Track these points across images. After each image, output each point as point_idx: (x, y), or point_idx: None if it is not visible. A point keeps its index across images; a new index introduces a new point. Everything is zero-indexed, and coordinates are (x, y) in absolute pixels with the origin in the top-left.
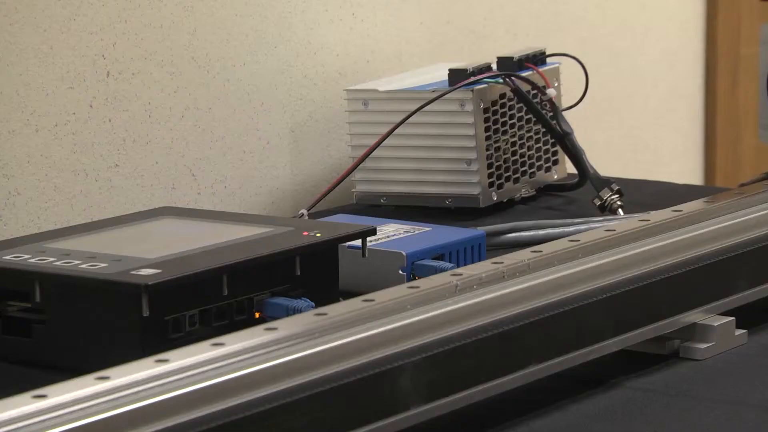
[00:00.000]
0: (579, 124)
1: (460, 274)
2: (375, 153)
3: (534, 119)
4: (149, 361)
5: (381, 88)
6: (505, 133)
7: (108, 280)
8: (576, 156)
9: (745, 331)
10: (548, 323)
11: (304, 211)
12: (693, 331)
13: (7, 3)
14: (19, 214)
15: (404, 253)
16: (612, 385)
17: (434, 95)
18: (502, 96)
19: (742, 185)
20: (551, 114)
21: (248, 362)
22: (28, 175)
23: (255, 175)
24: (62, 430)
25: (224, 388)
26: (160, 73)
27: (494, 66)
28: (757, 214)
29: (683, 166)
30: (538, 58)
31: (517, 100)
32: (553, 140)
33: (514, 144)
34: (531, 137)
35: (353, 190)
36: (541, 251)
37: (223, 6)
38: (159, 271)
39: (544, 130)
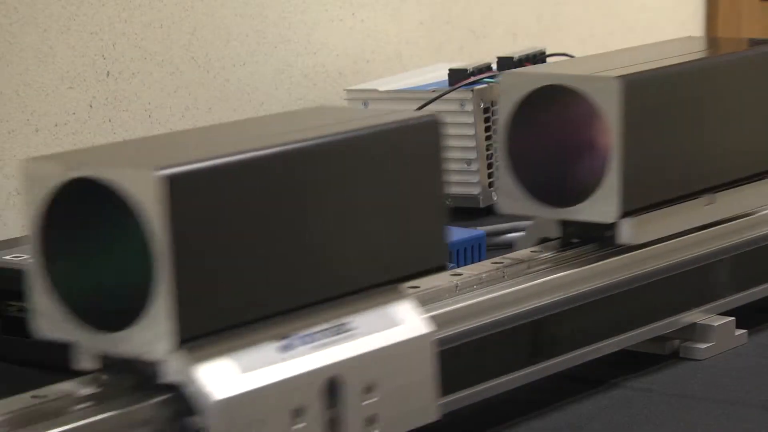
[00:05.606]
0: None
1: (460, 274)
2: None
3: None
4: None
5: (381, 88)
6: None
7: None
8: None
9: (745, 331)
10: (548, 323)
11: None
12: (693, 331)
13: (7, 3)
14: (19, 214)
15: None
16: (612, 385)
17: (434, 95)
18: None
19: None
20: None
21: None
22: None
23: None
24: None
25: None
26: (160, 73)
27: (494, 66)
28: (757, 214)
29: None
30: (538, 58)
31: None
32: None
33: None
34: None
35: None
36: (541, 251)
37: (223, 6)
38: None
39: None
